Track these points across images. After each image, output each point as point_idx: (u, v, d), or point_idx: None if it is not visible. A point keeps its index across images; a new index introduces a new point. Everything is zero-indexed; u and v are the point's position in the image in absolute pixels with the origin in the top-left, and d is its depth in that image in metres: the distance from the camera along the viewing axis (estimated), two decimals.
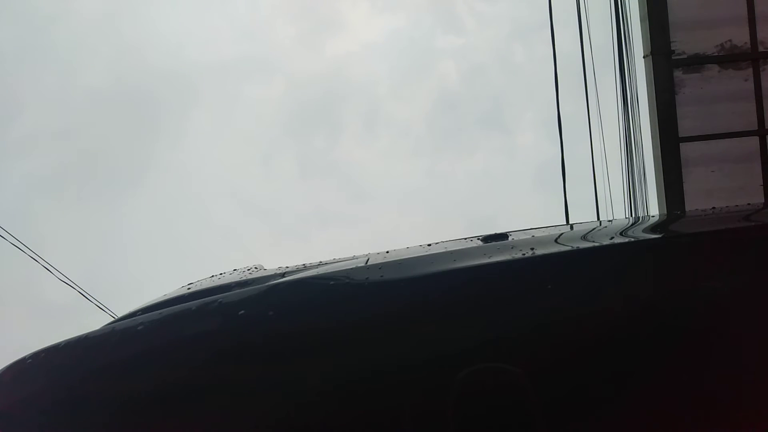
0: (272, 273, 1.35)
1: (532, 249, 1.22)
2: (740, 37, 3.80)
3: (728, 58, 3.79)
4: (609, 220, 1.72)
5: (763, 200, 3.74)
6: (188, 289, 1.35)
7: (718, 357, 1.07)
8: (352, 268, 1.26)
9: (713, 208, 1.45)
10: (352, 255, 1.42)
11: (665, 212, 3.78)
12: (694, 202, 3.78)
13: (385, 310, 1.16)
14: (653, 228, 1.54)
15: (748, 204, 1.61)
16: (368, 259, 1.30)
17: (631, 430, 1.03)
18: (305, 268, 1.37)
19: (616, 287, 1.15)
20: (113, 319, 1.38)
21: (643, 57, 3.92)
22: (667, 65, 3.80)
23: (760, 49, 3.79)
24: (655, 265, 1.19)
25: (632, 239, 1.37)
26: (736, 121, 3.79)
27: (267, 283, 1.26)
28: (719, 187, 3.80)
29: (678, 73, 3.82)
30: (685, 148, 3.82)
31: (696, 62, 3.81)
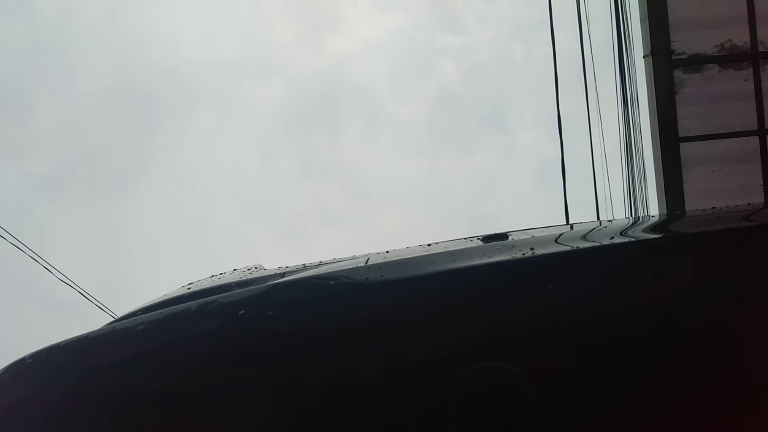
0: (272, 273, 1.35)
1: (532, 249, 1.22)
2: (740, 37, 3.79)
3: (728, 58, 3.79)
4: (609, 220, 1.72)
5: (763, 200, 3.74)
6: (188, 289, 1.35)
7: (719, 357, 1.07)
8: (352, 268, 1.26)
9: (713, 208, 1.45)
10: (352, 255, 1.42)
11: (665, 212, 3.78)
12: (694, 202, 3.78)
13: (385, 310, 1.16)
14: (653, 228, 1.54)
15: (748, 204, 1.60)
16: (368, 259, 1.30)
17: (632, 430, 1.03)
18: (305, 268, 1.37)
19: (616, 287, 1.15)
20: (113, 319, 1.38)
21: (643, 57, 3.92)
22: (667, 65, 3.80)
23: (760, 49, 3.79)
24: (655, 265, 1.19)
25: (632, 239, 1.37)
26: (736, 121, 3.79)
27: (267, 283, 1.26)
28: (719, 187, 3.79)
29: (678, 73, 3.81)
30: (685, 148, 3.81)
31: (696, 62, 3.80)
